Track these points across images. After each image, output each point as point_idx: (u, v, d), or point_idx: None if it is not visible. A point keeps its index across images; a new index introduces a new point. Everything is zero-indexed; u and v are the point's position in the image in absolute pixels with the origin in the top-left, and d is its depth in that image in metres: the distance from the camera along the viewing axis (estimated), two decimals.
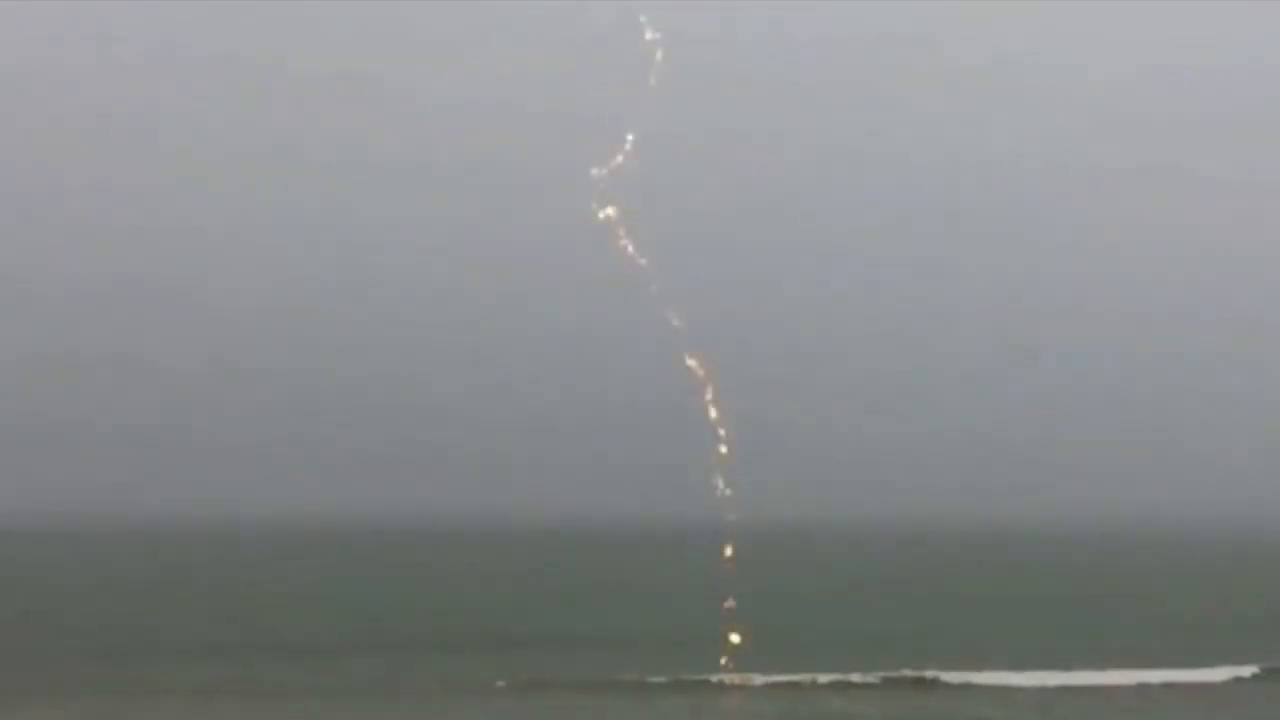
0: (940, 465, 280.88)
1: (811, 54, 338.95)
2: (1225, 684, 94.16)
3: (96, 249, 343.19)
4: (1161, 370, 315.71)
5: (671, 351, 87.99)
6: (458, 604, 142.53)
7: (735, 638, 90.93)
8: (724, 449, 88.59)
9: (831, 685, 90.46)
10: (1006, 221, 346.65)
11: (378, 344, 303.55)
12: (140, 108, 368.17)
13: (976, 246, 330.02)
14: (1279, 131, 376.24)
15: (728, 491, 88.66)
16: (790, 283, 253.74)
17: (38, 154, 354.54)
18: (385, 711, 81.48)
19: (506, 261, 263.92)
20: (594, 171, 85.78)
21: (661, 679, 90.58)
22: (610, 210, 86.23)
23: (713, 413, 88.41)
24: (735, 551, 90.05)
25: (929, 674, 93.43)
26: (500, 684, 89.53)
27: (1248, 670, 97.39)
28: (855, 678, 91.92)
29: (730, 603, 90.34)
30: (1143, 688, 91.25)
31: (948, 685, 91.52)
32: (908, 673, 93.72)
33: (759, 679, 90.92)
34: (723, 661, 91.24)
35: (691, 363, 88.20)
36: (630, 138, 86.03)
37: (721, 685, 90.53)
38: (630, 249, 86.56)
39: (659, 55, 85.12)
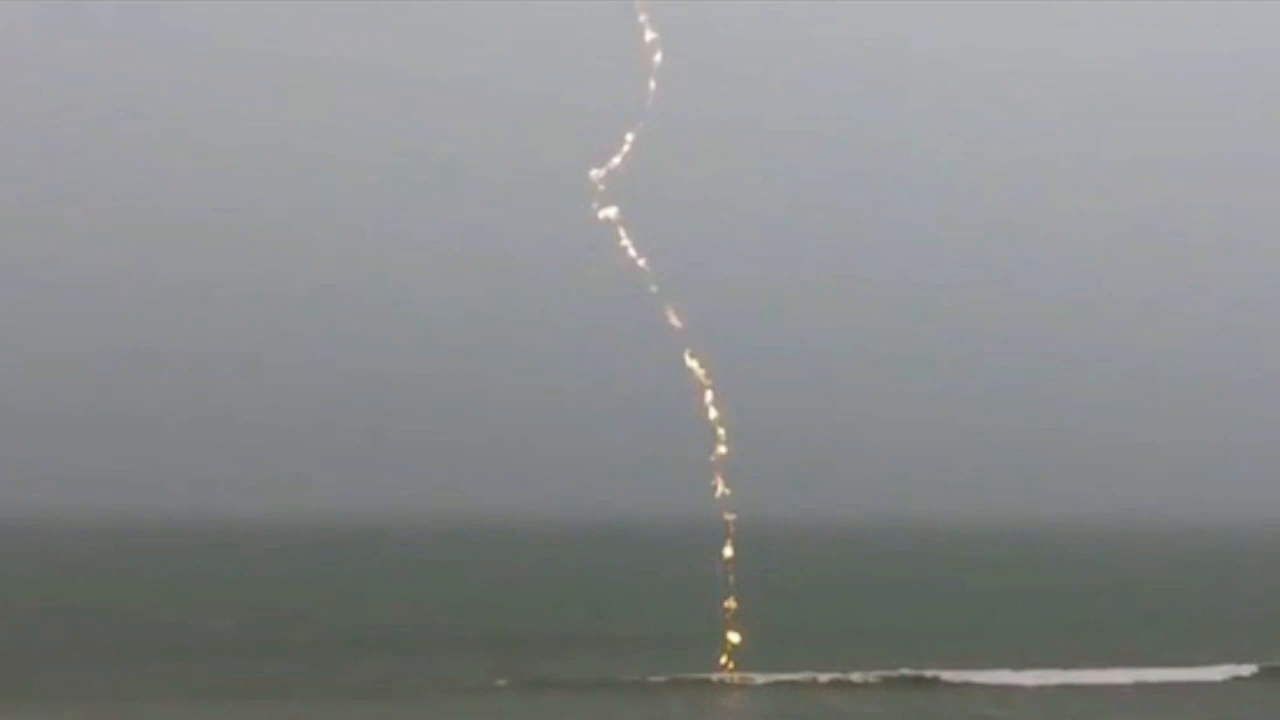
0: (940, 464, 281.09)
1: (816, 52, 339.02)
2: (1225, 683, 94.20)
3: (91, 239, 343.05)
4: (1161, 369, 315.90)
5: (671, 350, 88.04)
6: (458, 604, 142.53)
7: (735, 637, 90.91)
8: (724, 448, 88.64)
9: (832, 684, 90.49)
10: (1007, 219, 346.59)
11: (376, 343, 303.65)
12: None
13: (977, 245, 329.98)
14: None
15: (728, 491, 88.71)
16: (791, 282, 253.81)
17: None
18: (385, 711, 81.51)
19: (506, 260, 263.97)
20: (593, 171, 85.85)
21: (661, 678, 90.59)
22: (610, 209, 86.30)
23: (712, 412, 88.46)
24: (735, 551, 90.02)
25: (929, 673, 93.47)
26: (501, 683, 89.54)
27: (1247, 669, 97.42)
28: (855, 677, 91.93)
29: (730, 602, 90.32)
30: (1142, 686, 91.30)
31: (948, 684, 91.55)
32: (908, 671, 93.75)
33: (759, 678, 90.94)
34: (723, 661, 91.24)
35: (691, 362, 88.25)
36: (630, 137, 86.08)
37: (722, 684, 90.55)
38: (630, 248, 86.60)
39: (658, 55, 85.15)
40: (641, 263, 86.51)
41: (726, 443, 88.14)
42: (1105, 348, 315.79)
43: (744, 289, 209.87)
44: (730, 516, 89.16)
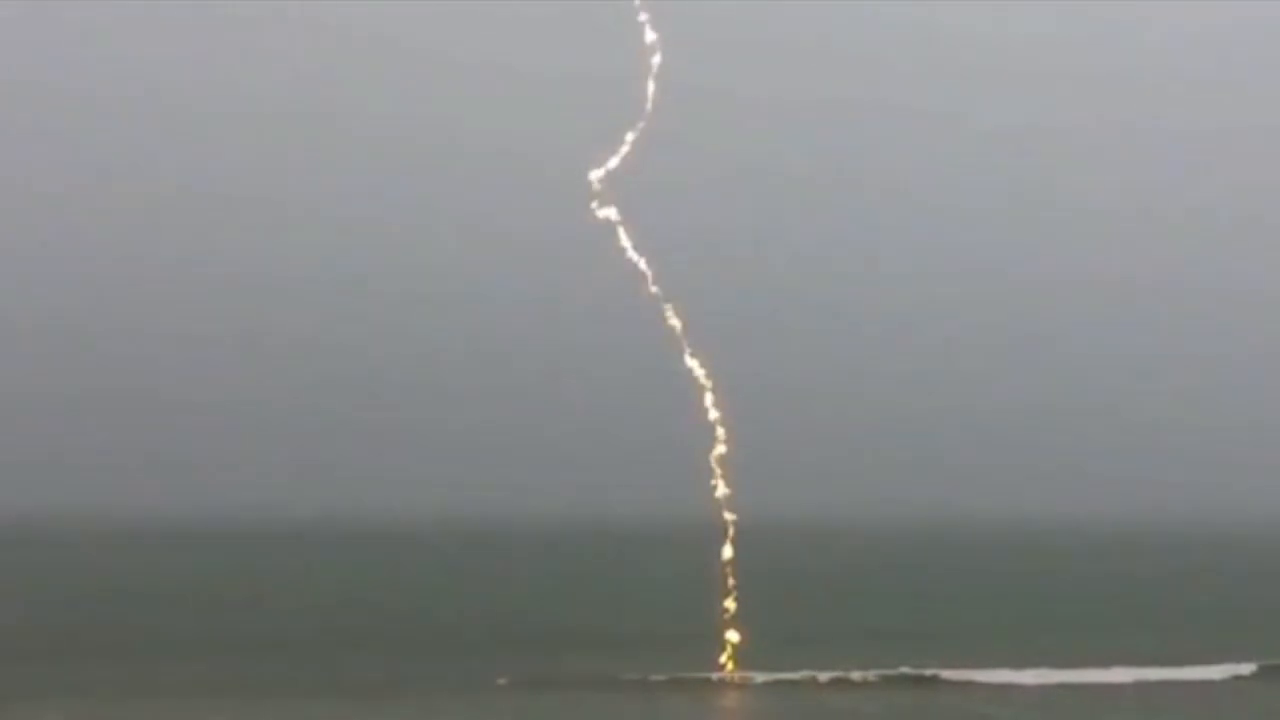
0: (939, 463, 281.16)
1: (818, 51, 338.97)
2: (1224, 682, 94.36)
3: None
4: (1161, 366, 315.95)
5: (671, 350, 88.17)
6: (458, 603, 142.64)
7: (735, 636, 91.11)
8: (724, 448, 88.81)
9: (832, 683, 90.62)
10: (1008, 218, 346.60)
11: (374, 342, 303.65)
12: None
13: (978, 243, 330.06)
14: None
15: (728, 491, 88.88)
16: (791, 282, 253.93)
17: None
18: (385, 711, 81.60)
19: (507, 260, 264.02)
20: (593, 171, 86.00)
21: (662, 677, 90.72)
22: (610, 209, 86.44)
23: (712, 412, 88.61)
24: (735, 550, 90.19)
25: (929, 671, 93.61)
26: (501, 682, 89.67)
27: (1247, 668, 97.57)
28: (855, 676, 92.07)
29: (730, 601, 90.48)
30: (1142, 685, 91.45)
31: (948, 683, 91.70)
32: (908, 670, 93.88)
33: (759, 677, 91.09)
34: (723, 660, 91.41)
35: (691, 362, 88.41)
36: (630, 137, 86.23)
37: (722, 683, 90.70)
38: (630, 248, 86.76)
39: (658, 56, 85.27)
40: (642, 263, 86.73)
41: (726, 443, 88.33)
42: (1106, 345, 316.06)
43: (744, 289, 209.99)
44: (730, 516, 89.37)
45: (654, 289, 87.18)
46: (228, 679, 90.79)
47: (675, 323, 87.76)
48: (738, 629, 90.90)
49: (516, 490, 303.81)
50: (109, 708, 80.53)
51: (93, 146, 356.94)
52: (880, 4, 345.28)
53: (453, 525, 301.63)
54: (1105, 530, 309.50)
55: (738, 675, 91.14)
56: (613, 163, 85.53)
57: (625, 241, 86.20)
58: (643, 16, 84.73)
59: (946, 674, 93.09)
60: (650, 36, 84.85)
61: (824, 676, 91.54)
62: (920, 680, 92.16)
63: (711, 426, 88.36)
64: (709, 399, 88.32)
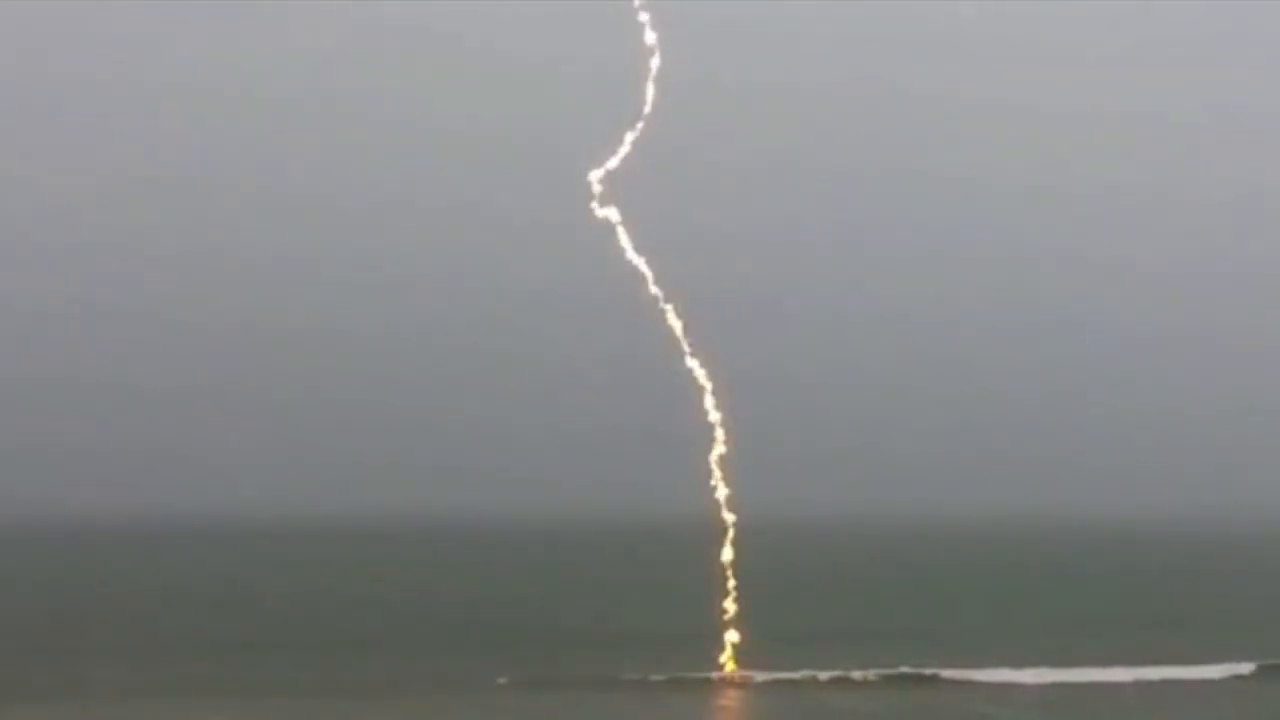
0: (939, 461, 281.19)
1: (819, 51, 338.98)
2: (1223, 681, 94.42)
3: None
4: (1161, 364, 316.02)
5: (672, 350, 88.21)
6: (458, 603, 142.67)
7: (735, 635, 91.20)
8: (724, 448, 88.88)
9: (832, 682, 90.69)
10: (1011, 215, 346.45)
11: (376, 343, 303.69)
12: None
13: (980, 242, 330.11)
14: None
15: (728, 490, 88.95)
16: (791, 281, 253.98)
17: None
18: (385, 711, 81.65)
19: (507, 260, 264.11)
20: (593, 171, 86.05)
21: (662, 677, 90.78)
22: (610, 209, 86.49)
23: (712, 412, 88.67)
24: (735, 550, 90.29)
25: (929, 671, 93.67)
26: (502, 681, 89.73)
27: (1245, 667, 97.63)
28: (856, 675, 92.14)
29: (730, 601, 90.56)
30: (1142, 684, 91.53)
31: (948, 682, 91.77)
32: (908, 670, 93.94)
33: (759, 676, 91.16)
34: (723, 659, 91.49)
35: (691, 361, 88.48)
36: (630, 137, 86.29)
37: (722, 683, 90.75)
38: (630, 248, 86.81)
39: (657, 57, 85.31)
40: (641, 263, 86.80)
41: (726, 443, 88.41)
42: (1106, 343, 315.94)
43: (744, 289, 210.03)
44: (730, 516, 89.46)
45: (654, 289, 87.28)
46: (228, 679, 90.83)
47: (675, 323, 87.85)
48: (738, 629, 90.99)
49: (517, 490, 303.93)
50: (109, 708, 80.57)
51: (107, 132, 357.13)
52: None
53: (453, 525, 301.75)
54: (1105, 529, 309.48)
55: (738, 675, 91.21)
56: (613, 163, 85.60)
57: (625, 241, 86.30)
58: (643, 17, 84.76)
59: (946, 673, 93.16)
60: (650, 36, 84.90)
61: (824, 676, 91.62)
62: (920, 679, 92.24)
63: (711, 426, 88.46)
64: (709, 399, 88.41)
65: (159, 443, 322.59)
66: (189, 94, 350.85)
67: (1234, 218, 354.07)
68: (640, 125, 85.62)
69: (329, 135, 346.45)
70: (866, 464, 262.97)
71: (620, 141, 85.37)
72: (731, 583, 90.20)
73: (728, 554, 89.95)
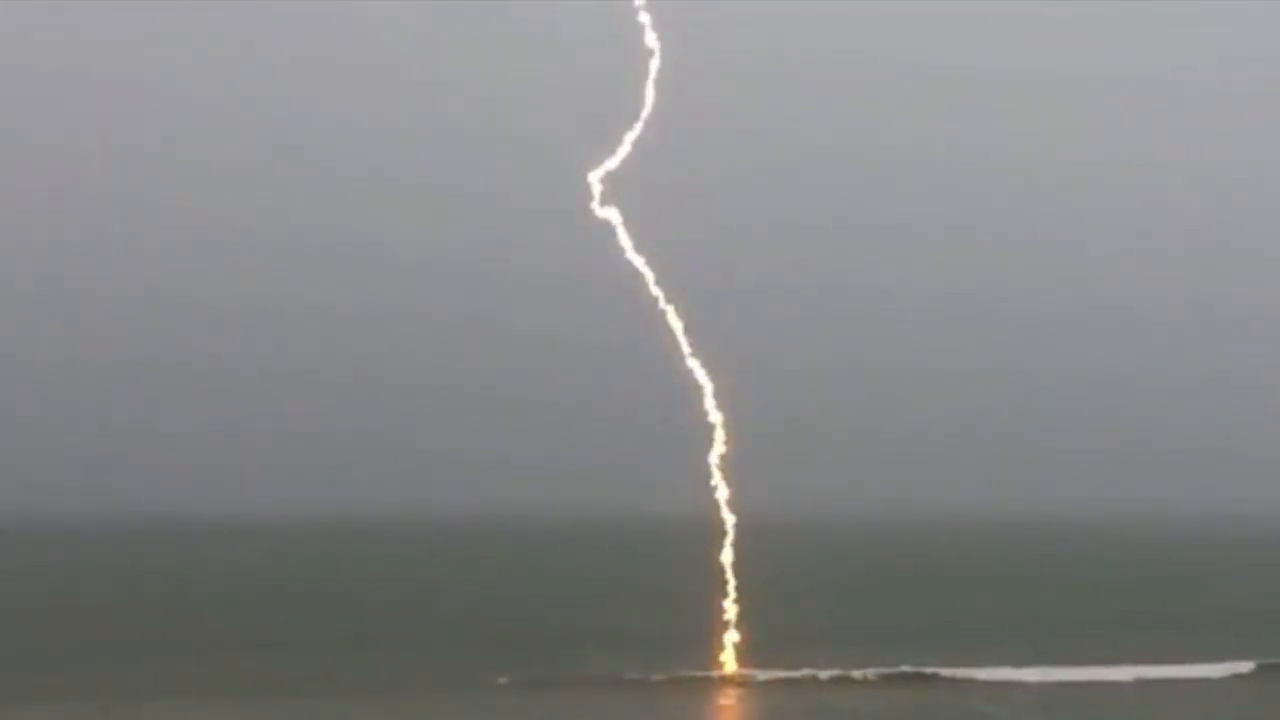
0: (939, 460, 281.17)
1: (820, 50, 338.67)
2: (1223, 680, 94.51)
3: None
4: (1160, 362, 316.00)
5: (672, 350, 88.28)
6: (459, 602, 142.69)
7: (736, 635, 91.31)
8: (724, 448, 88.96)
9: (832, 681, 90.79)
10: (1011, 214, 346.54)
11: (374, 340, 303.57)
12: None
13: (979, 242, 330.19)
14: None
15: (728, 489, 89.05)
16: (791, 281, 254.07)
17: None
18: (385, 710, 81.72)
19: (507, 260, 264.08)
20: (593, 171, 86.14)
21: (663, 676, 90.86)
22: (610, 209, 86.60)
23: (713, 412, 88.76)
24: (735, 549, 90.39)
25: (929, 670, 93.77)
26: (502, 681, 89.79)
27: (1245, 666, 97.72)
28: (856, 674, 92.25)
29: (731, 600, 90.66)
30: (1141, 683, 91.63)
31: (948, 680, 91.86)
32: (908, 669, 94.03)
33: (760, 675, 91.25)
34: (723, 658, 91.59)
35: (692, 361, 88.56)
36: (629, 137, 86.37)
37: (723, 682, 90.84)
38: (630, 248, 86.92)
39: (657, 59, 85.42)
40: (641, 263, 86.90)
41: (726, 443, 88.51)
42: (1105, 341, 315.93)
43: (744, 289, 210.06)
44: (730, 517, 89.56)
45: (654, 289, 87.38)
46: (228, 679, 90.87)
47: (675, 323, 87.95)
48: (738, 628, 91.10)
49: (517, 489, 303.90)
50: (109, 708, 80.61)
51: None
52: None
53: (453, 524, 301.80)
54: (1105, 528, 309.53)
55: (738, 674, 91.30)
56: (613, 163, 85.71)
57: (625, 241, 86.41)
58: (643, 17, 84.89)
59: (947, 672, 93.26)
60: (650, 37, 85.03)
61: (824, 675, 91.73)
62: (921, 678, 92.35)
63: (711, 427, 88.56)
64: (709, 399, 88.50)
65: (159, 442, 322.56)
66: (190, 81, 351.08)
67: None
68: (639, 126, 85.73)
69: (323, 126, 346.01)
70: (867, 462, 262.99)
71: (620, 141, 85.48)
72: (731, 583, 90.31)
73: (728, 554, 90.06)
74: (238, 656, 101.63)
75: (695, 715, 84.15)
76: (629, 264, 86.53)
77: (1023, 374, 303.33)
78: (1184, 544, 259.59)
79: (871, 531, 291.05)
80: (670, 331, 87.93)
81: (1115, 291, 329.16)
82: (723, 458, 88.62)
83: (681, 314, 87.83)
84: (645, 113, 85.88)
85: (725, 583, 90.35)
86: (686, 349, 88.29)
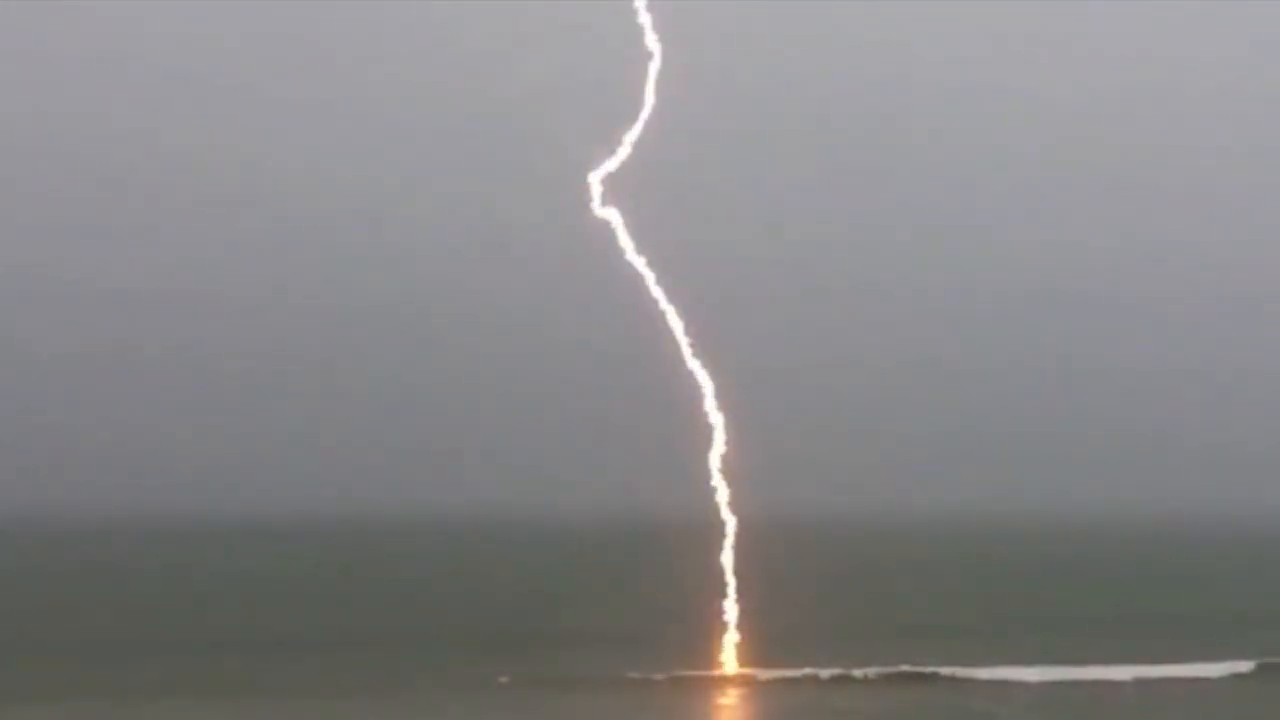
0: (939, 460, 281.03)
1: (821, 49, 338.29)
2: (1223, 679, 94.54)
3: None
4: (1160, 361, 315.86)
5: (673, 349, 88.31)
6: (459, 601, 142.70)
7: (736, 634, 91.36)
8: (724, 448, 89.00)
9: (833, 680, 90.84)
10: (1012, 215, 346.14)
11: (373, 339, 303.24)
12: None
13: (980, 243, 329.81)
14: None
15: (728, 489, 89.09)
16: (791, 281, 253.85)
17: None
18: (385, 710, 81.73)
19: (507, 260, 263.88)
20: (593, 170, 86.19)
21: (663, 676, 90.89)
22: (610, 209, 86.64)
23: (713, 412, 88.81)
24: (736, 548, 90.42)
25: (929, 669, 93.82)
26: (503, 680, 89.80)
27: (1245, 665, 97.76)
28: (856, 673, 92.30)
29: (731, 599, 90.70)
30: (1141, 682, 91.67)
31: (948, 680, 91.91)
32: (908, 668, 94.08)
33: (760, 675, 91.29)
34: (723, 658, 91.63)
35: (693, 361, 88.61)
36: (629, 138, 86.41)
37: (723, 681, 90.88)
38: (630, 248, 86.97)
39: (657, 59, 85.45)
40: (641, 264, 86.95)
41: (726, 443, 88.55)
42: (1104, 340, 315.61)
43: (744, 288, 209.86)
44: (730, 517, 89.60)
45: (654, 289, 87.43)
46: (228, 679, 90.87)
47: (675, 323, 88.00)
48: (738, 627, 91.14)
49: (517, 490, 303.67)
50: (109, 708, 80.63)
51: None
52: None
53: (453, 524, 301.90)
54: (1105, 527, 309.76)
55: (739, 673, 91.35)
56: (612, 163, 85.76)
57: (625, 241, 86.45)
58: (642, 17, 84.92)
59: (947, 671, 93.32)
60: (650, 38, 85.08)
61: (825, 674, 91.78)
62: (921, 677, 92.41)
63: (711, 427, 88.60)
64: (709, 399, 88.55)
65: (159, 442, 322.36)
66: (191, 78, 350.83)
67: None
68: (639, 126, 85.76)
69: (323, 123, 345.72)
70: (867, 461, 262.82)
71: (619, 142, 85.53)
72: (731, 582, 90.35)
73: (728, 554, 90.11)
74: (237, 658, 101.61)
75: (696, 715, 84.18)
76: (629, 265, 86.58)
77: (1023, 374, 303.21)
78: (1184, 544, 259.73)
79: (871, 531, 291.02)
80: (670, 332, 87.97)
81: (1115, 291, 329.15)
82: (723, 458, 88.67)
83: (682, 315, 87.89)
84: (645, 113, 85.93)
85: (725, 583, 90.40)
86: (687, 350, 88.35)
